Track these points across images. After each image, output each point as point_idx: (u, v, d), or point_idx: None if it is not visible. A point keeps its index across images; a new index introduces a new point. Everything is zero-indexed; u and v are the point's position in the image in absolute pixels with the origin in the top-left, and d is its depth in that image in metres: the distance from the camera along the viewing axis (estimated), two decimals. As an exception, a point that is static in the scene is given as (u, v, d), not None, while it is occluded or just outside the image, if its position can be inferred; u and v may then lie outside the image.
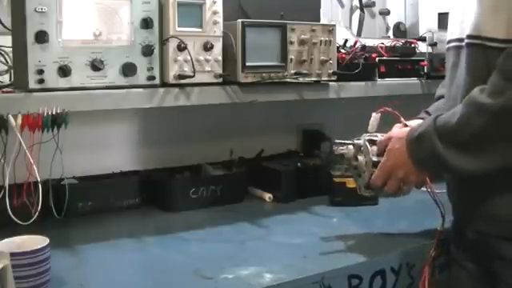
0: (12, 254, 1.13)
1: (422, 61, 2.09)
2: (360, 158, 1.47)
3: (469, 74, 1.30)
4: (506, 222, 1.28)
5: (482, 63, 1.27)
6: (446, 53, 1.48)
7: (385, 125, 1.51)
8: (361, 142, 1.48)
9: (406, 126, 1.48)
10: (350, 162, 1.50)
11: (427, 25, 2.20)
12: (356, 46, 1.94)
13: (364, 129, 2.30)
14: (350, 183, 1.67)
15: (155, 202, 1.82)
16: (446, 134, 1.27)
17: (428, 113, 1.58)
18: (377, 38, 2.26)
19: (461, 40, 1.34)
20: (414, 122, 1.53)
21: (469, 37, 1.30)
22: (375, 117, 1.51)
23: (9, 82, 1.48)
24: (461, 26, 1.35)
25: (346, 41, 1.97)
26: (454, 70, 1.37)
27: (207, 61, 1.59)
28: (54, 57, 1.38)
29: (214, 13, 1.60)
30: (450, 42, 1.42)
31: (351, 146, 1.49)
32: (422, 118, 1.56)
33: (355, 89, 1.92)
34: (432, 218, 1.69)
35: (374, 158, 1.43)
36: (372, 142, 1.46)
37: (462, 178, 1.37)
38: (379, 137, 1.47)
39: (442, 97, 1.59)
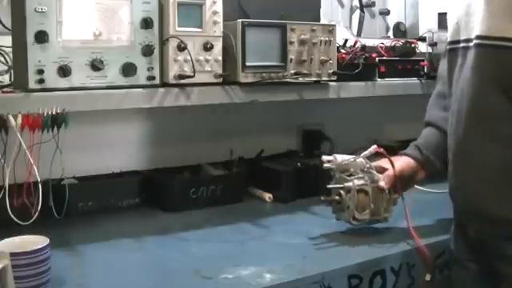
0: (12, 254, 1.13)
1: (422, 61, 2.09)
2: (344, 196, 1.52)
3: (476, 74, 1.29)
4: (508, 223, 1.28)
5: (492, 64, 1.27)
6: (446, 53, 1.46)
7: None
8: (350, 185, 1.51)
9: (392, 162, 1.54)
10: (333, 199, 1.53)
11: (427, 25, 2.20)
12: (356, 46, 1.94)
13: (363, 128, 2.31)
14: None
15: (155, 202, 1.82)
16: None
17: (418, 147, 1.59)
18: (377, 38, 2.26)
19: (468, 41, 1.33)
20: (400, 159, 1.58)
21: (478, 37, 1.29)
22: (370, 151, 1.55)
23: (9, 82, 1.48)
24: (467, 27, 1.34)
25: (346, 41, 1.97)
26: (460, 71, 1.36)
27: (207, 61, 1.59)
28: (54, 57, 1.38)
29: (214, 13, 1.60)
30: (456, 42, 1.40)
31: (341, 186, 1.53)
32: (408, 155, 1.59)
33: (355, 89, 1.92)
34: (432, 219, 1.70)
35: (357, 215, 1.51)
36: (361, 191, 1.51)
37: (462, 178, 1.37)
38: (369, 184, 1.52)
39: (430, 124, 1.59)
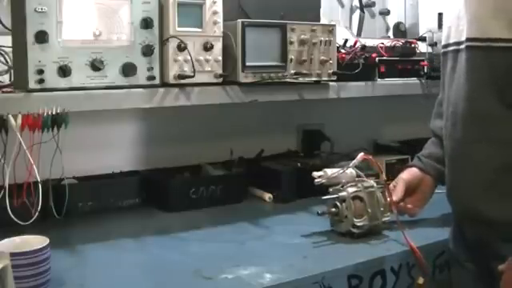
0: (12, 254, 1.13)
1: (422, 61, 2.09)
2: (340, 206, 1.53)
3: (469, 77, 1.30)
4: (503, 225, 1.28)
5: (483, 65, 1.27)
6: (441, 57, 1.48)
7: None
8: (345, 194, 1.52)
9: (379, 168, 1.58)
10: (330, 211, 1.54)
11: (427, 25, 2.20)
12: (356, 46, 1.94)
13: (363, 128, 2.31)
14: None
15: (155, 202, 1.82)
16: None
17: (418, 157, 1.62)
18: (377, 38, 2.26)
19: (458, 44, 1.34)
20: (405, 171, 1.62)
21: (469, 39, 1.30)
22: (358, 159, 1.56)
23: (9, 82, 1.48)
24: (457, 30, 1.35)
25: (346, 41, 1.97)
26: (452, 74, 1.37)
27: (207, 61, 1.59)
28: (53, 57, 1.38)
29: (214, 13, 1.60)
30: (446, 46, 1.42)
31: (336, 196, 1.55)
32: (411, 165, 1.63)
33: (355, 89, 1.92)
34: (432, 219, 1.70)
35: (356, 221, 1.51)
36: (356, 198, 1.52)
37: (459, 180, 1.37)
38: (362, 190, 1.53)
39: (433, 133, 1.62)
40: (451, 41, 1.39)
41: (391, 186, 1.61)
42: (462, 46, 1.32)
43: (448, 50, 1.40)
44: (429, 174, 1.60)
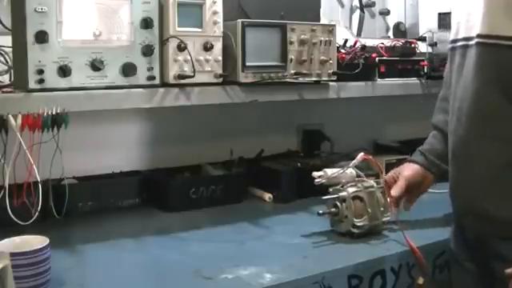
0: (12, 254, 1.13)
1: (422, 61, 2.09)
2: (340, 206, 1.53)
3: (477, 73, 1.30)
4: (504, 223, 1.28)
5: (492, 62, 1.27)
6: (448, 53, 1.47)
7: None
8: (345, 194, 1.53)
9: (379, 167, 1.61)
10: (330, 211, 1.55)
11: (427, 25, 2.20)
12: (356, 46, 1.94)
13: (363, 128, 2.31)
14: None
15: (155, 202, 1.82)
16: None
17: (423, 153, 1.62)
18: (377, 38, 2.26)
19: (467, 39, 1.34)
20: (407, 167, 1.62)
21: (479, 36, 1.30)
22: (358, 159, 1.57)
23: (9, 82, 1.48)
24: (467, 26, 1.35)
25: (346, 41, 1.97)
26: (460, 70, 1.37)
27: (207, 61, 1.59)
28: (53, 57, 1.38)
29: (214, 13, 1.60)
30: (455, 41, 1.41)
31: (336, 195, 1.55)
32: (414, 161, 1.63)
33: (355, 89, 1.92)
34: (432, 219, 1.70)
35: (356, 221, 1.51)
36: (356, 198, 1.53)
37: (462, 177, 1.37)
38: (362, 190, 1.54)
39: (434, 127, 1.62)
40: (460, 36, 1.38)
41: (390, 177, 1.61)
42: (472, 42, 1.32)
43: (456, 45, 1.40)
44: (432, 173, 1.60)
